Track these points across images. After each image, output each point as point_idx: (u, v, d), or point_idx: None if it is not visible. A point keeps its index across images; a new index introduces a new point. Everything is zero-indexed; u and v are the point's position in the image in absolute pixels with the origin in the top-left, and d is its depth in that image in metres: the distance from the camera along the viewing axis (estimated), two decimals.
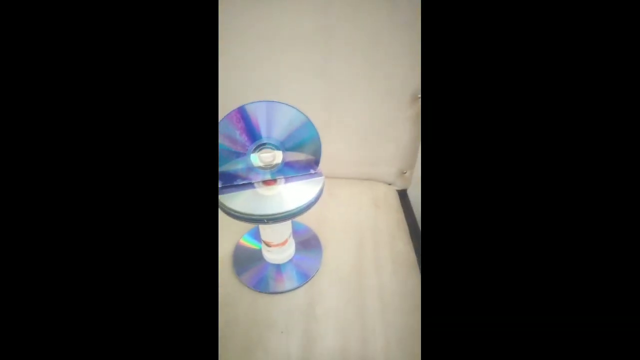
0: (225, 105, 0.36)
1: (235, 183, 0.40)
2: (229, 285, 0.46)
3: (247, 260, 0.49)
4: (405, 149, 0.61)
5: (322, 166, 0.42)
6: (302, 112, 0.38)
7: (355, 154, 0.63)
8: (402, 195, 0.64)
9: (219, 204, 0.38)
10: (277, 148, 0.39)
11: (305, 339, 0.40)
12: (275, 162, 0.40)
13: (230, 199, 0.37)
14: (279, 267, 0.48)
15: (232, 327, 0.41)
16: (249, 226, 0.54)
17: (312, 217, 0.55)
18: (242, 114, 0.37)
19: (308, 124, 0.39)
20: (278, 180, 0.41)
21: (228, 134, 0.37)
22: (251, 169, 0.39)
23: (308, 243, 0.51)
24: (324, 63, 0.53)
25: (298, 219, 0.54)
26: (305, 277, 0.46)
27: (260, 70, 0.54)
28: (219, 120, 0.36)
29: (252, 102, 0.37)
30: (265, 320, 0.42)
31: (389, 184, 0.66)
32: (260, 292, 0.45)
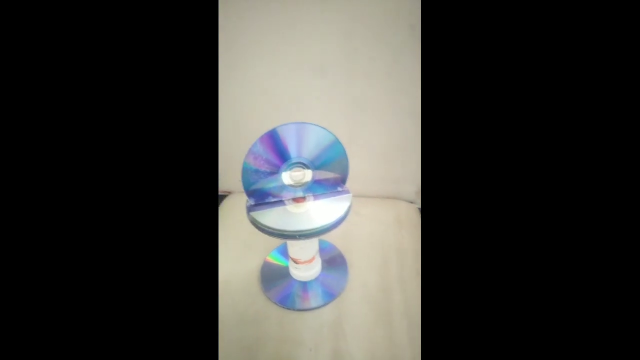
0: (259, 129, 0.38)
1: (266, 200, 0.41)
2: (257, 302, 0.47)
3: (274, 276, 0.50)
4: None
5: (346, 184, 0.43)
6: (330, 132, 0.40)
7: (378, 172, 0.64)
8: None
9: (253, 220, 0.39)
10: (307, 167, 0.41)
11: (334, 357, 0.40)
12: (305, 180, 0.41)
13: (263, 216, 0.39)
14: (305, 285, 0.49)
15: (262, 344, 0.41)
16: (275, 244, 0.55)
17: (337, 235, 0.56)
18: (273, 135, 0.39)
19: (336, 143, 0.41)
20: (307, 198, 0.42)
21: (260, 155, 0.39)
22: (282, 187, 0.41)
23: (334, 261, 0.52)
24: (348, 84, 0.55)
25: (324, 236, 0.56)
26: (331, 295, 0.47)
27: (288, 93, 0.56)
28: (255, 142, 0.38)
29: (283, 125, 0.39)
30: (294, 337, 0.42)
31: (411, 202, 0.66)
32: (286, 308, 0.45)
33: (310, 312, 0.45)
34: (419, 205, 0.66)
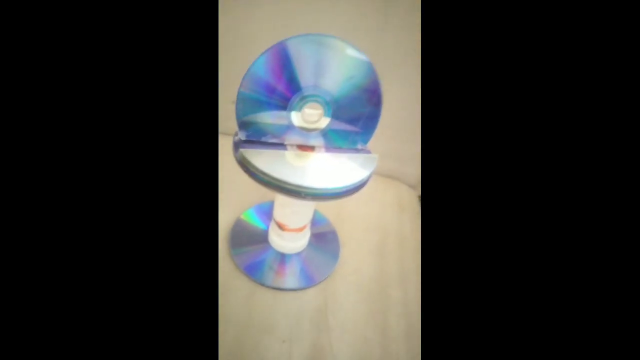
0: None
1: (263, 139, 0.30)
2: (223, 268, 0.36)
3: (247, 239, 0.40)
4: None
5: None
6: (371, 64, 0.30)
7: (381, 148, 0.55)
8: None
9: (242, 160, 0.28)
10: (327, 104, 0.30)
11: (313, 355, 0.31)
12: (318, 124, 0.31)
13: (257, 157, 0.28)
14: (283, 258, 0.39)
15: (222, 325, 0.31)
16: (253, 200, 0.44)
17: (328, 207, 0.46)
18: (282, 53, 0.27)
19: (375, 83, 0.30)
20: (317, 148, 0.32)
21: (264, 80, 0.28)
22: (287, 127, 0.30)
23: (323, 237, 0.42)
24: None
25: (318, 207, 0.46)
26: (314, 278, 0.37)
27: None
28: (256, 61, 0.27)
29: (297, 36, 0.27)
30: (265, 323, 0.33)
31: (412, 187, 0.58)
32: (256, 281, 0.35)
33: (288, 293, 0.36)
34: (419, 194, 0.58)
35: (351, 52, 0.29)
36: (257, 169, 0.27)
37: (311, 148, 0.31)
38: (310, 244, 0.40)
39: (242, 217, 0.42)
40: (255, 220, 0.42)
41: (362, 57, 0.29)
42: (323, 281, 0.37)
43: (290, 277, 0.37)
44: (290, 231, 0.36)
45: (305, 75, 0.29)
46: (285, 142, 0.31)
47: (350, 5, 0.45)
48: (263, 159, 0.28)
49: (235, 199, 0.43)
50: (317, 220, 0.44)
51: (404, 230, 0.47)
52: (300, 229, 0.36)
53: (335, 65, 0.29)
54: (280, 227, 0.36)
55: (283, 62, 0.28)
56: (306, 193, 0.27)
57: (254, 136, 0.30)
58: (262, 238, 0.40)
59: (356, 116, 0.31)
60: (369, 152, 0.33)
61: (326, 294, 0.36)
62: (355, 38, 0.46)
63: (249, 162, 0.27)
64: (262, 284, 0.36)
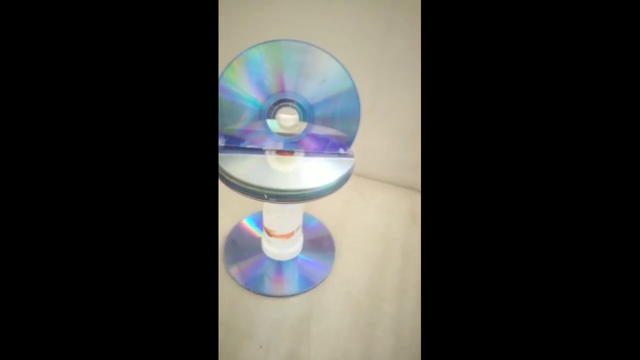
0: None
1: (241, 145, 0.31)
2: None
3: (243, 248, 0.40)
4: None
5: (357, 161, 0.33)
6: (347, 72, 0.29)
7: (396, 154, 0.53)
8: None
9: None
10: (304, 111, 0.30)
11: None
12: (295, 129, 0.31)
13: (229, 162, 0.29)
14: (277, 265, 0.39)
15: None
16: (256, 206, 0.45)
17: (331, 214, 0.46)
18: (257, 57, 0.28)
19: (351, 91, 0.30)
20: (296, 153, 0.32)
21: (238, 83, 0.29)
22: (265, 132, 0.31)
23: (319, 243, 0.42)
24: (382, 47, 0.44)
25: (313, 211, 0.46)
26: (304, 285, 0.37)
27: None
28: (230, 63, 0.28)
29: (280, 40, 0.28)
30: (243, 327, 0.33)
31: None
32: (244, 289, 0.36)
33: (273, 299, 0.36)
34: None
35: (322, 55, 0.29)
36: (224, 172, 0.28)
37: (290, 152, 0.32)
38: (304, 250, 0.40)
39: (244, 222, 0.43)
40: (255, 227, 0.43)
41: (333, 60, 0.29)
42: (311, 289, 0.37)
43: (279, 283, 0.37)
44: (277, 237, 0.36)
45: (275, 82, 0.29)
46: (264, 148, 0.32)
47: (353, 9, 0.45)
48: (234, 165, 0.29)
49: (237, 203, 0.45)
50: (313, 227, 0.44)
51: (411, 242, 0.44)
52: (288, 236, 0.36)
53: (308, 70, 0.29)
54: (269, 233, 0.37)
55: (249, 70, 0.29)
56: (269, 194, 0.27)
57: (233, 142, 0.31)
58: (256, 245, 0.40)
59: (335, 121, 0.31)
60: (351, 156, 0.32)
61: (312, 302, 0.35)
62: (358, 42, 0.46)
63: (220, 168, 0.29)
64: (250, 290, 0.36)
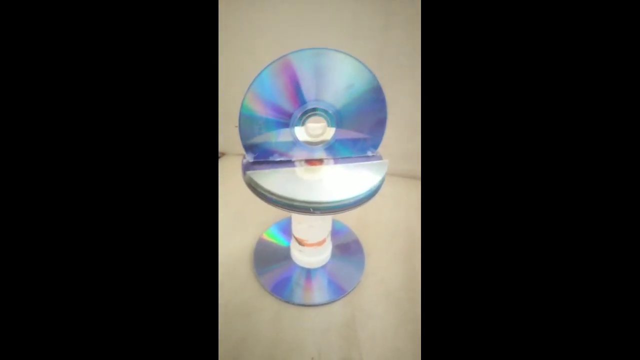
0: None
1: (270, 159, 0.30)
2: (247, 288, 0.37)
3: (270, 258, 0.40)
4: None
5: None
6: (370, 71, 0.29)
7: (402, 145, 0.53)
8: None
9: (250, 182, 0.28)
10: (330, 117, 0.30)
11: None
12: (324, 137, 0.31)
13: (264, 178, 0.28)
14: (308, 273, 0.38)
15: (250, 345, 0.32)
16: (274, 217, 0.45)
17: (349, 214, 0.45)
18: (285, 67, 0.27)
19: (377, 89, 0.30)
20: (326, 161, 0.31)
21: (265, 96, 0.28)
22: (293, 143, 0.30)
23: (347, 248, 0.42)
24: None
25: (338, 217, 0.45)
26: (341, 290, 0.37)
27: None
28: (258, 76, 0.27)
29: (298, 51, 0.27)
30: (293, 340, 0.32)
31: None
32: (284, 301, 0.35)
33: (315, 308, 0.35)
34: None
35: (348, 61, 0.28)
36: (264, 189, 0.27)
37: (319, 161, 0.31)
38: (333, 255, 0.40)
39: (264, 236, 0.43)
40: (277, 238, 0.42)
41: (359, 64, 0.28)
42: (349, 293, 0.37)
43: (317, 291, 0.37)
44: (310, 246, 0.36)
45: (307, 89, 0.29)
46: (293, 159, 0.31)
47: (352, 5, 0.45)
48: (269, 179, 0.28)
49: (254, 219, 0.44)
50: (339, 231, 0.44)
51: None
52: (320, 243, 0.36)
53: (334, 76, 0.29)
54: (300, 242, 0.36)
55: (287, 77, 0.28)
56: (315, 208, 0.27)
57: (262, 157, 0.30)
58: (285, 254, 0.40)
59: (362, 123, 0.31)
60: (380, 157, 0.32)
61: (353, 306, 0.36)
62: (358, 38, 0.46)
63: (256, 184, 0.28)
64: (290, 302, 0.36)
